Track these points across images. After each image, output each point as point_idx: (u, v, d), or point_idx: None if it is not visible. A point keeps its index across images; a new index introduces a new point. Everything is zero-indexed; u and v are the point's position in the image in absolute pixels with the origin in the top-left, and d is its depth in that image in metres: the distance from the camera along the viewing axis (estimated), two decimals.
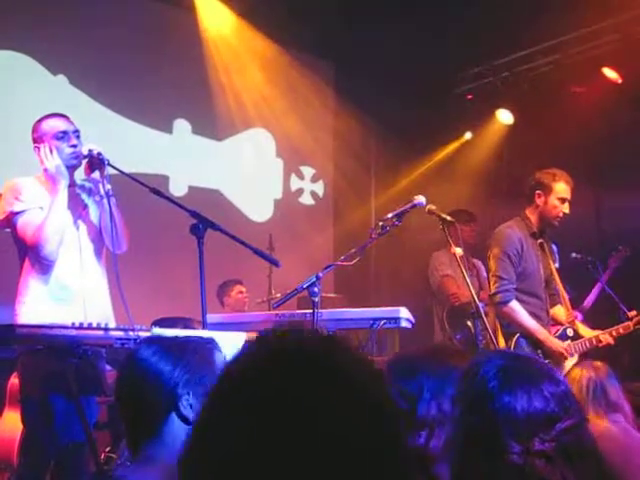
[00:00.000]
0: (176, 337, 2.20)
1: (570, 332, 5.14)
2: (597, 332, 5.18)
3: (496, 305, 5.02)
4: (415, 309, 4.87)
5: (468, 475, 1.68)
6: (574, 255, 6.46)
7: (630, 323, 5.21)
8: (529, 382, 1.68)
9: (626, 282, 6.77)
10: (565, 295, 5.35)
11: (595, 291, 6.66)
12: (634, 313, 5.30)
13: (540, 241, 5.22)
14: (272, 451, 0.90)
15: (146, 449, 1.98)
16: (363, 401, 0.97)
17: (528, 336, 4.95)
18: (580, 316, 5.99)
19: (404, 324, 4.17)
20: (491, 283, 5.16)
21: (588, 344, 5.07)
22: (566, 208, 5.10)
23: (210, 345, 2.17)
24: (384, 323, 4.10)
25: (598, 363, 3.78)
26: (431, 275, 6.85)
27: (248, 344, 1.07)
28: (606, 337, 5.12)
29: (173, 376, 2.01)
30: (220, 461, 0.93)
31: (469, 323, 5.59)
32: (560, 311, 5.35)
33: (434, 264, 6.82)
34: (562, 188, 5.09)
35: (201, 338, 2.23)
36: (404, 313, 4.17)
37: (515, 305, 4.97)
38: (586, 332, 5.22)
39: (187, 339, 2.18)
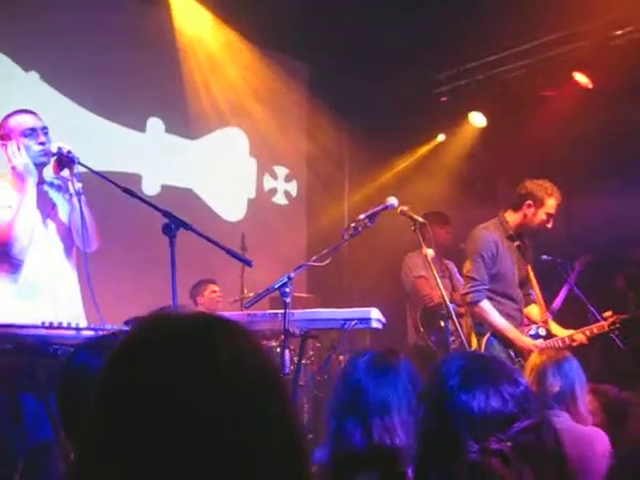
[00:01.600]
0: (116, 337, 2.15)
1: (542, 331, 5.19)
2: (571, 331, 5.23)
3: (467, 305, 5.08)
4: (387, 310, 4.90)
5: (429, 474, 1.70)
6: (544, 257, 6.52)
7: (605, 323, 5.25)
8: (488, 382, 1.70)
9: (594, 284, 6.85)
10: (540, 296, 5.41)
11: (563, 292, 6.74)
12: (609, 314, 5.36)
13: (517, 243, 5.27)
14: (134, 447, 0.91)
15: None
16: (226, 393, 0.95)
17: (499, 335, 5.01)
18: (550, 317, 6.05)
19: (375, 325, 4.19)
20: (464, 283, 5.22)
21: (561, 343, 5.12)
22: (550, 224, 5.17)
23: None
24: (355, 323, 4.12)
25: (551, 350, 3.80)
26: (404, 276, 6.87)
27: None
28: (580, 336, 5.17)
29: None
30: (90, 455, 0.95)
31: (442, 324, 5.62)
32: (534, 310, 5.42)
33: (407, 265, 6.85)
34: (553, 204, 5.17)
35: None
36: (375, 314, 4.19)
37: (486, 305, 5.03)
38: (559, 331, 5.28)
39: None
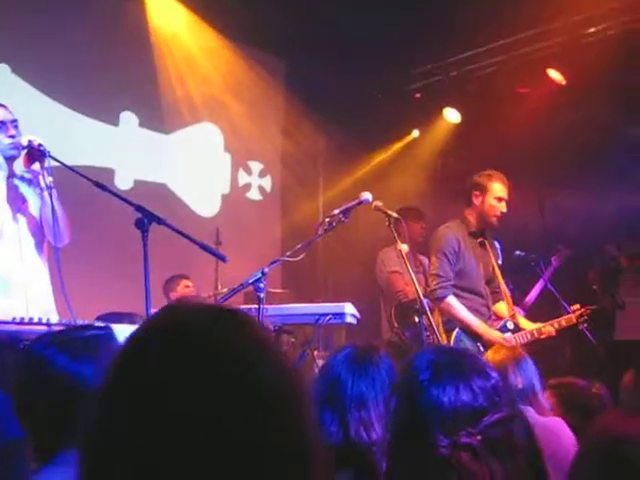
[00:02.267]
0: (73, 332, 2.10)
1: (510, 325, 5.25)
2: (539, 324, 5.31)
3: (434, 302, 5.12)
4: (362, 305, 4.92)
5: (400, 468, 1.70)
6: (518, 253, 6.56)
7: (572, 316, 5.39)
8: (458, 376, 1.70)
9: (567, 279, 6.92)
10: (507, 291, 5.46)
11: (537, 288, 6.80)
12: (577, 307, 5.45)
13: (480, 240, 5.33)
14: (148, 441, 0.89)
15: (64, 455, 1.85)
16: (237, 384, 0.93)
17: (467, 330, 5.06)
18: (522, 313, 6.10)
19: (349, 319, 4.20)
20: (429, 281, 5.28)
21: (529, 336, 5.21)
22: (503, 207, 5.25)
23: (113, 338, 2.08)
24: (329, 318, 4.13)
25: (507, 348, 3.82)
26: (379, 271, 6.89)
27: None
28: (548, 328, 5.26)
29: (94, 379, 1.85)
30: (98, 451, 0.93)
31: (417, 319, 5.65)
32: (502, 307, 5.47)
33: (382, 260, 6.86)
34: (498, 187, 5.25)
35: (100, 329, 2.13)
36: (349, 309, 4.20)
37: (452, 300, 5.09)
38: (527, 325, 5.37)
39: (89, 334, 2.06)
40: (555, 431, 3.08)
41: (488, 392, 1.69)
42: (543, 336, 5.25)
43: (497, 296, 5.46)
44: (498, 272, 5.44)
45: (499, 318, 5.38)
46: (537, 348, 5.36)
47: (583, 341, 6.04)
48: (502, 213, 5.24)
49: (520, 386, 3.37)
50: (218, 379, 0.92)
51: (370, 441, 2.18)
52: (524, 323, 5.38)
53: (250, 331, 1.01)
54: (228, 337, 0.97)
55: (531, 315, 6.37)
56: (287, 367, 1.02)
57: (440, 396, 1.67)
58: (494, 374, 1.76)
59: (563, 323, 5.36)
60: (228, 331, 0.98)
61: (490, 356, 3.55)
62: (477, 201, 5.27)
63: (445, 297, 5.10)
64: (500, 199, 5.23)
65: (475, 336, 5.05)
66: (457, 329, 5.10)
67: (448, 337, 5.10)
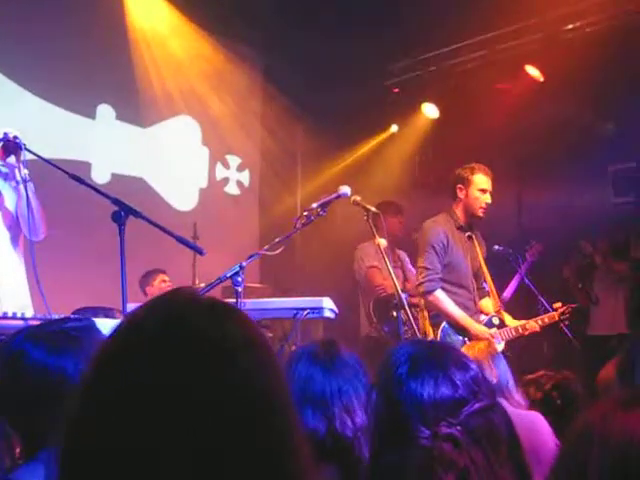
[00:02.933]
0: (52, 325, 2.05)
1: (496, 321, 5.28)
2: (523, 321, 5.34)
3: (422, 295, 5.12)
4: (340, 300, 4.91)
5: (382, 460, 1.71)
6: (496, 247, 6.59)
7: (555, 314, 5.45)
8: (436, 368, 1.72)
9: (543, 275, 6.96)
10: (493, 287, 5.48)
11: (514, 283, 6.84)
12: (559, 305, 5.51)
13: (468, 234, 5.34)
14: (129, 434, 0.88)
15: (49, 450, 1.77)
16: (215, 377, 0.92)
17: (454, 324, 5.07)
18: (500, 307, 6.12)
19: (327, 314, 4.19)
20: (417, 274, 5.27)
21: (514, 332, 5.24)
22: (487, 198, 5.27)
23: (94, 329, 2.05)
24: (307, 313, 4.11)
25: (481, 343, 3.84)
26: (357, 266, 6.88)
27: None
28: (531, 324, 5.30)
29: (77, 372, 1.85)
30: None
31: (395, 314, 5.65)
32: (488, 303, 5.49)
33: (360, 255, 6.86)
34: (481, 179, 5.26)
35: (80, 321, 2.09)
36: (327, 303, 4.19)
37: (439, 294, 5.09)
38: (512, 321, 5.40)
39: (68, 326, 2.00)
40: (533, 424, 3.10)
41: (467, 383, 1.70)
42: (527, 332, 5.28)
43: (482, 292, 5.48)
44: (484, 267, 5.45)
45: (484, 314, 5.40)
46: (515, 344, 5.41)
47: (560, 337, 6.09)
48: (487, 204, 5.26)
49: (495, 380, 3.38)
50: (206, 378, 0.91)
51: (355, 428, 2.18)
52: (508, 319, 5.41)
53: (239, 327, 0.99)
54: (216, 334, 0.95)
55: (508, 310, 6.41)
56: (275, 363, 1.01)
57: (419, 389, 1.69)
58: (473, 365, 1.78)
59: (546, 320, 5.40)
60: (216, 327, 0.96)
61: (464, 352, 3.55)
62: (461, 194, 5.28)
63: (433, 290, 5.11)
64: (484, 190, 5.25)
65: (462, 331, 5.07)
66: (444, 323, 5.12)
67: (435, 331, 5.11)
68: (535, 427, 3.09)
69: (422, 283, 5.15)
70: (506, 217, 8.10)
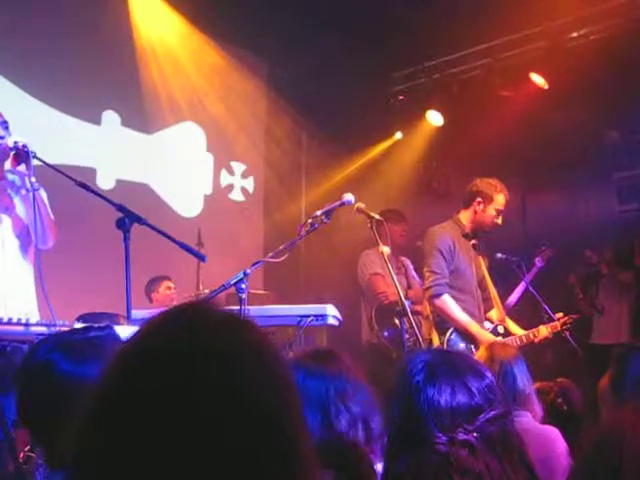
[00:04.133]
0: (77, 334, 2.06)
1: (501, 329, 5.26)
2: (527, 331, 5.34)
3: (429, 299, 5.11)
4: (343, 307, 4.91)
5: (399, 466, 1.73)
6: (499, 255, 6.59)
7: (557, 323, 5.43)
8: (453, 376, 1.76)
9: (548, 282, 6.95)
10: (496, 296, 5.47)
11: (519, 290, 6.83)
12: (561, 315, 5.50)
13: (473, 242, 5.34)
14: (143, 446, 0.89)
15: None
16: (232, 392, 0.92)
17: (461, 330, 5.05)
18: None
19: (331, 321, 4.19)
20: (425, 278, 5.25)
21: (519, 340, 5.22)
22: (500, 220, 5.27)
23: (116, 337, 2.06)
24: (311, 320, 4.12)
25: (508, 345, 3.80)
26: (360, 273, 6.87)
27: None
28: (543, 331, 5.31)
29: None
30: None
31: (397, 321, 5.65)
32: (493, 315, 5.48)
33: (363, 262, 6.85)
34: (501, 201, 5.29)
35: (102, 330, 2.10)
36: (331, 310, 4.19)
37: (447, 298, 5.07)
38: (517, 330, 5.39)
39: (92, 335, 2.03)
40: (549, 438, 3.07)
41: (483, 391, 1.73)
42: (537, 340, 5.27)
43: (488, 303, 5.46)
44: (488, 276, 5.45)
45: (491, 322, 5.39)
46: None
47: (564, 345, 6.08)
48: (498, 225, 5.28)
49: (521, 386, 3.34)
50: (219, 393, 0.91)
51: (352, 417, 2.19)
52: (513, 328, 5.40)
53: (254, 342, 1.00)
54: (232, 349, 0.96)
55: (512, 317, 6.41)
56: (288, 376, 1.02)
57: (436, 396, 1.72)
58: (488, 373, 1.81)
59: (549, 330, 5.39)
60: (232, 343, 0.97)
61: (496, 352, 3.48)
62: (478, 208, 5.28)
63: (441, 294, 5.08)
64: (500, 212, 5.28)
65: (468, 337, 5.05)
66: (451, 329, 5.10)
67: (441, 336, 5.10)
68: (550, 440, 3.06)
69: (430, 287, 5.13)
70: (510, 224, 8.08)
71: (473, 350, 4.94)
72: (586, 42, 7.34)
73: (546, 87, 7.80)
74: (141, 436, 0.89)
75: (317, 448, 2.16)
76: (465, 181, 5.57)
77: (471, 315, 5.13)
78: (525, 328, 5.44)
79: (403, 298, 4.39)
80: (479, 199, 5.29)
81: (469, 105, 8.20)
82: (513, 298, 6.85)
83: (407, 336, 4.95)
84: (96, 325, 2.15)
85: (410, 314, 4.40)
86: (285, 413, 0.97)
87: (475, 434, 1.67)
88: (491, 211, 5.26)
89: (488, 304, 5.46)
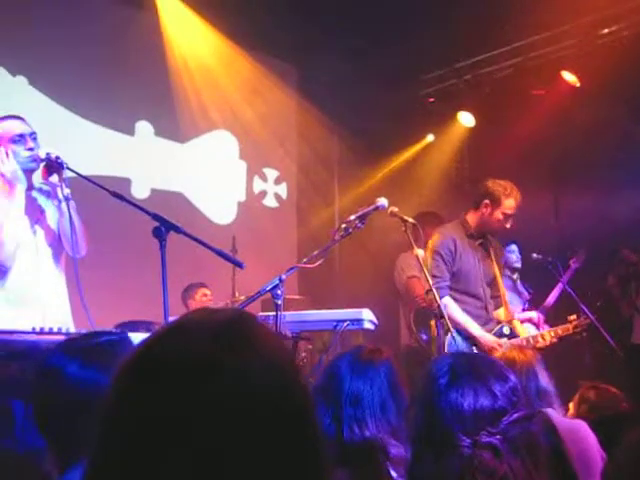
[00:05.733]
0: (86, 339, 2.06)
1: (507, 330, 5.19)
2: (536, 332, 5.32)
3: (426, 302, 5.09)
4: (379, 311, 4.91)
5: (424, 469, 1.74)
6: (535, 256, 6.55)
7: (569, 326, 5.41)
8: (476, 379, 1.77)
9: (584, 282, 6.88)
10: (505, 295, 5.39)
11: (556, 291, 6.76)
12: (574, 317, 5.45)
13: (481, 241, 5.28)
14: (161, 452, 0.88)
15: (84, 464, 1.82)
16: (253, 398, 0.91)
17: (462, 332, 5.01)
18: (542, 315, 6.07)
19: (367, 325, 4.20)
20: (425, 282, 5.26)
21: (525, 342, 5.15)
22: (509, 224, 5.20)
23: (129, 342, 2.04)
24: (347, 325, 4.12)
25: (527, 348, 3.77)
26: (397, 276, 6.86)
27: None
28: (543, 338, 5.26)
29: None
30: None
31: (432, 324, 5.63)
32: (501, 313, 5.43)
33: (400, 265, 6.84)
34: (510, 204, 5.17)
35: (115, 335, 2.09)
36: (367, 314, 4.20)
37: (447, 301, 5.03)
38: (523, 331, 5.34)
39: (102, 340, 2.02)
40: (580, 433, 3.06)
41: (507, 394, 1.74)
42: (539, 345, 5.19)
43: (498, 301, 5.40)
44: (499, 275, 5.38)
45: (499, 323, 5.34)
46: (557, 353, 5.34)
47: (602, 346, 6.01)
48: (505, 229, 5.21)
49: (544, 386, 3.32)
50: (219, 408, 0.90)
51: (363, 438, 2.21)
52: (520, 329, 5.35)
53: (259, 350, 0.97)
54: (232, 362, 0.93)
55: (550, 318, 6.36)
56: (300, 383, 1.00)
57: (459, 399, 1.73)
58: (512, 376, 1.81)
59: (560, 332, 5.35)
60: (231, 355, 0.93)
61: (516, 355, 3.47)
62: (486, 210, 5.20)
63: (441, 297, 5.03)
64: (509, 216, 5.18)
65: (470, 338, 5.02)
66: (453, 330, 5.09)
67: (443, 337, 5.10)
68: (581, 436, 3.05)
69: (430, 290, 5.14)
70: (544, 224, 8.04)
71: (475, 350, 4.92)
72: (617, 39, 7.27)
73: (578, 85, 7.74)
74: (151, 462, 0.88)
75: (337, 447, 2.18)
76: None
77: (476, 317, 5.09)
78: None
79: (440, 301, 4.38)
80: (487, 201, 5.20)
81: (501, 105, 8.16)
82: (551, 299, 6.79)
83: (442, 339, 4.93)
84: (108, 330, 2.16)
85: (446, 316, 4.39)
86: (302, 421, 0.97)
87: (499, 437, 1.68)
88: (498, 215, 5.16)
89: (497, 302, 5.41)
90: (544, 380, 3.34)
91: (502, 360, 3.35)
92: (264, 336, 0.99)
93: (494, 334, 5.14)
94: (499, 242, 5.60)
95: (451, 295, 5.10)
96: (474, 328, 5.03)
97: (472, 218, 5.28)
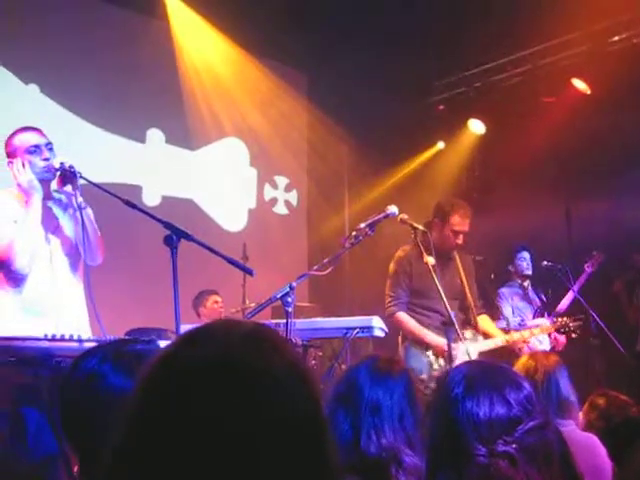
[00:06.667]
0: (125, 347, 2.04)
1: (468, 335, 5.21)
2: (506, 336, 5.36)
3: (386, 319, 5.11)
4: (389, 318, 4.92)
5: (440, 478, 1.74)
6: (544, 263, 6.53)
7: (551, 326, 5.53)
8: (491, 388, 1.77)
9: (594, 288, 6.86)
10: (472, 304, 5.37)
11: (568, 297, 6.73)
12: (563, 319, 5.57)
13: (444, 256, 5.27)
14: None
15: None
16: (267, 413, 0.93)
17: (417, 341, 5.14)
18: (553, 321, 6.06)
19: (377, 333, 4.20)
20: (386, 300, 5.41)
21: (500, 343, 5.24)
22: (460, 239, 5.26)
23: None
24: (357, 332, 4.13)
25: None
26: None
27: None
28: (516, 336, 5.33)
29: None
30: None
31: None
32: (485, 321, 5.48)
33: None
34: (456, 221, 5.24)
35: (150, 345, 2.07)
36: (377, 322, 4.20)
37: (401, 316, 5.21)
38: (497, 333, 5.41)
39: (140, 350, 2.00)
40: (592, 446, 3.05)
41: (522, 402, 1.75)
42: (513, 344, 5.29)
43: (470, 311, 5.38)
44: (466, 283, 5.37)
45: (486, 332, 5.39)
46: (567, 360, 5.32)
47: (613, 352, 5.99)
48: (457, 244, 5.26)
49: (565, 394, 3.30)
50: (250, 410, 0.92)
51: (380, 447, 2.21)
52: (494, 330, 5.42)
53: (282, 357, 1.00)
54: (260, 366, 0.96)
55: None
56: (317, 392, 1.02)
57: (474, 408, 1.74)
58: (526, 384, 1.82)
59: (535, 333, 5.41)
60: (260, 360, 0.97)
61: (539, 361, 3.44)
62: (436, 228, 5.28)
63: (394, 313, 5.23)
64: (457, 232, 5.22)
65: (425, 347, 5.10)
66: (407, 342, 5.20)
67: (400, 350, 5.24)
68: (593, 449, 3.04)
69: (386, 308, 5.30)
70: (555, 231, 8.02)
71: (430, 357, 4.99)
72: (627, 46, 7.27)
73: (589, 92, 7.73)
74: (176, 462, 0.90)
75: (353, 453, 2.19)
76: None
77: (437, 330, 5.12)
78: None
79: (449, 309, 4.39)
80: (436, 220, 5.30)
81: (511, 113, 8.15)
82: (563, 305, 6.76)
83: (453, 346, 4.93)
84: (142, 338, 2.15)
85: (456, 324, 4.39)
86: (317, 428, 0.99)
87: (514, 445, 1.68)
88: (447, 232, 5.23)
89: (479, 310, 5.48)
90: (566, 388, 3.32)
91: (524, 367, 3.36)
92: (285, 344, 1.04)
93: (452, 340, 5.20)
94: (468, 255, 5.65)
95: (415, 311, 5.21)
96: (428, 335, 5.11)
97: (431, 234, 5.33)
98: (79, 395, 1.93)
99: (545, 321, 5.78)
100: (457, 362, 4.69)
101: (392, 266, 5.39)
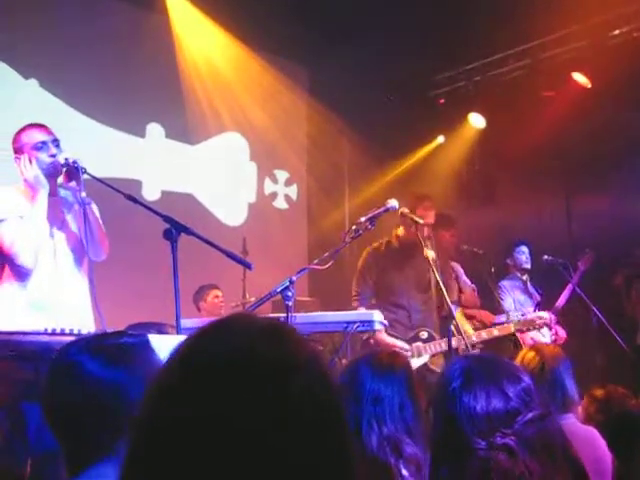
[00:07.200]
0: (107, 338, 2.02)
1: (423, 335, 5.31)
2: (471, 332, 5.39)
3: None
4: None
5: (442, 472, 1.75)
6: (546, 257, 6.54)
7: (510, 326, 5.38)
8: (489, 381, 1.78)
9: (594, 284, 6.86)
10: (447, 298, 5.35)
11: (566, 292, 6.74)
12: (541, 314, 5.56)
13: (413, 251, 5.29)
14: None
15: (98, 467, 1.79)
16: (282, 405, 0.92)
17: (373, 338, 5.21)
18: (554, 317, 6.05)
19: (377, 327, 4.20)
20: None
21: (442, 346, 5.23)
22: (426, 232, 5.25)
23: (149, 345, 2.02)
24: (358, 326, 4.12)
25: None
26: None
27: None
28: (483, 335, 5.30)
29: (130, 386, 1.82)
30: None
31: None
32: (458, 316, 5.49)
33: None
34: (421, 214, 5.21)
35: (134, 337, 2.05)
36: (377, 316, 4.20)
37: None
38: (469, 329, 5.47)
39: (122, 341, 1.99)
40: (592, 440, 3.05)
41: (519, 394, 1.75)
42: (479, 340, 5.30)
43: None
44: (437, 276, 5.32)
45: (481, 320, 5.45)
46: (566, 354, 5.32)
47: (614, 347, 5.99)
48: (424, 237, 5.19)
49: (569, 387, 3.29)
50: (269, 402, 0.91)
51: (381, 435, 2.23)
52: (467, 328, 5.46)
53: (298, 349, 1.00)
54: (277, 356, 0.96)
55: (562, 320, 6.35)
56: (333, 382, 1.02)
57: (472, 402, 1.75)
58: (525, 376, 1.83)
59: (495, 333, 5.33)
60: (277, 352, 0.96)
61: (544, 354, 3.41)
62: (402, 224, 5.35)
63: (356, 309, 5.36)
64: (422, 226, 5.13)
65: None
66: (366, 336, 5.25)
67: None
68: (593, 443, 3.04)
69: (352, 304, 5.50)
70: (556, 225, 8.02)
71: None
72: (628, 39, 7.26)
73: (589, 86, 7.72)
74: (194, 458, 0.89)
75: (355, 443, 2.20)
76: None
77: (399, 324, 5.32)
78: (573, 330, 5.38)
79: (449, 302, 4.39)
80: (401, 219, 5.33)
81: (511, 107, 8.14)
82: (561, 300, 6.77)
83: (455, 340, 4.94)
84: (129, 331, 2.15)
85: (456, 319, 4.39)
86: (334, 417, 0.98)
87: (513, 437, 1.69)
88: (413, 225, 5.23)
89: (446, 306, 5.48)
90: (569, 382, 3.31)
91: (528, 360, 3.35)
92: (302, 337, 1.04)
93: (409, 339, 5.30)
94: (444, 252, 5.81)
95: (379, 306, 5.23)
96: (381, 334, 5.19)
97: (399, 229, 5.40)
98: (59, 383, 1.93)
99: (547, 314, 5.76)
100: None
101: (359, 262, 5.55)
